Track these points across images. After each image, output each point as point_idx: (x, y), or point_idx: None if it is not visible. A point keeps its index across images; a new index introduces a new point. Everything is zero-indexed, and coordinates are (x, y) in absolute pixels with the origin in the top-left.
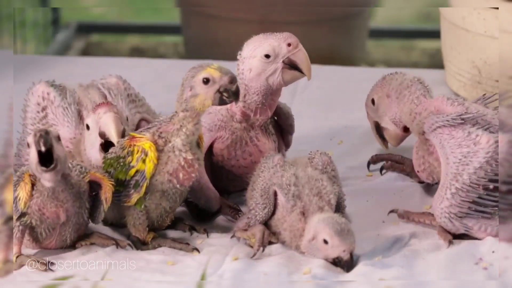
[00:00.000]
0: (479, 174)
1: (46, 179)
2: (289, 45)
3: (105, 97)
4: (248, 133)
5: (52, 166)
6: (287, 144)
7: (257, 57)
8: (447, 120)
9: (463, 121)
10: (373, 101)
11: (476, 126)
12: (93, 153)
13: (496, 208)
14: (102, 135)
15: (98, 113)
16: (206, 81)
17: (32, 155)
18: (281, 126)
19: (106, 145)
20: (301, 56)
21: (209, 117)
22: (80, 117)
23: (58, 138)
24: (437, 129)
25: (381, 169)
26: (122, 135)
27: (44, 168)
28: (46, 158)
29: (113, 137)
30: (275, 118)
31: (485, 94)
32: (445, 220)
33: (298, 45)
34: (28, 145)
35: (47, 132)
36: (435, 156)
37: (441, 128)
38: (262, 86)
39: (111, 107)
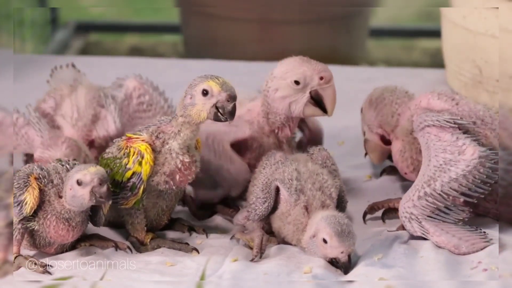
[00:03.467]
0: (452, 185)
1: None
2: (321, 78)
3: (103, 106)
4: (276, 148)
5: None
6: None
7: (287, 80)
8: (438, 120)
9: (455, 126)
10: (362, 110)
11: (466, 134)
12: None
13: (461, 218)
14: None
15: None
16: (205, 92)
17: (83, 193)
18: (308, 140)
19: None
20: (329, 93)
21: (249, 114)
22: (53, 122)
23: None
24: (425, 128)
25: (382, 172)
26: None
27: (106, 201)
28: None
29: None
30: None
31: None
32: (404, 219)
33: (330, 81)
34: (79, 183)
35: (106, 180)
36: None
37: (430, 127)
38: (283, 109)
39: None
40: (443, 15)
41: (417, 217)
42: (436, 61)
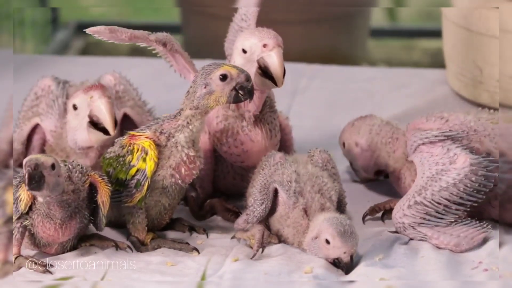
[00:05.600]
0: (443, 194)
1: (35, 194)
2: (264, 45)
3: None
4: (240, 122)
5: (36, 188)
6: None
7: (238, 49)
8: (426, 137)
9: (445, 138)
10: (344, 144)
11: (457, 144)
12: (79, 134)
13: (453, 221)
14: (94, 119)
15: (91, 96)
16: (223, 78)
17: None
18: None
19: (95, 124)
20: (273, 61)
21: None
22: (66, 111)
23: (52, 167)
24: (417, 148)
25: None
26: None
27: (27, 187)
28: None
29: (109, 125)
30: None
31: None
32: (399, 229)
33: (274, 48)
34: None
35: (36, 166)
36: None
37: (420, 146)
38: None
39: (104, 90)
40: (444, 15)
41: (410, 225)
42: (437, 61)
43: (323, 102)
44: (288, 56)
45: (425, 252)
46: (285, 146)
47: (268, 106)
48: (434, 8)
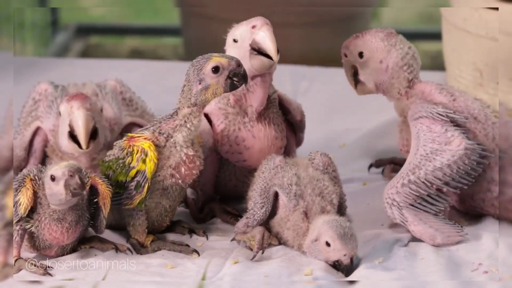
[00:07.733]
0: (436, 174)
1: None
2: (253, 27)
3: (97, 95)
4: (242, 118)
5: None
6: (298, 142)
7: (229, 42)
8: (431, 113)
9: (447, 119)
10: (361, 54)
11: (456, 127)
12: (63, 140)
13: (442, 209)
14: (71, 129)
15: (71, 106)
16: (215, 70)
17: (59, 188)
18: (291, 123)
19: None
20: (262, 36)
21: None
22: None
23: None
24: (419, 118)
25: (383, 170)
26: (93, 132)
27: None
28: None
29: (81, 138)
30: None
31: None
32: (387, 205)
33: (262, 26)
34: (52, 179)
35: (80, 170)
36: None
37: (423, 118)
38: None
39: (84, 101)
40: (444, 17)
41: (398, 204)
42: (437, 64)
43: (323, 105)
44: (289, 58)
45: (425, 254)
46: (287, 146)
47: (273, 105)
48: (434, 9)
